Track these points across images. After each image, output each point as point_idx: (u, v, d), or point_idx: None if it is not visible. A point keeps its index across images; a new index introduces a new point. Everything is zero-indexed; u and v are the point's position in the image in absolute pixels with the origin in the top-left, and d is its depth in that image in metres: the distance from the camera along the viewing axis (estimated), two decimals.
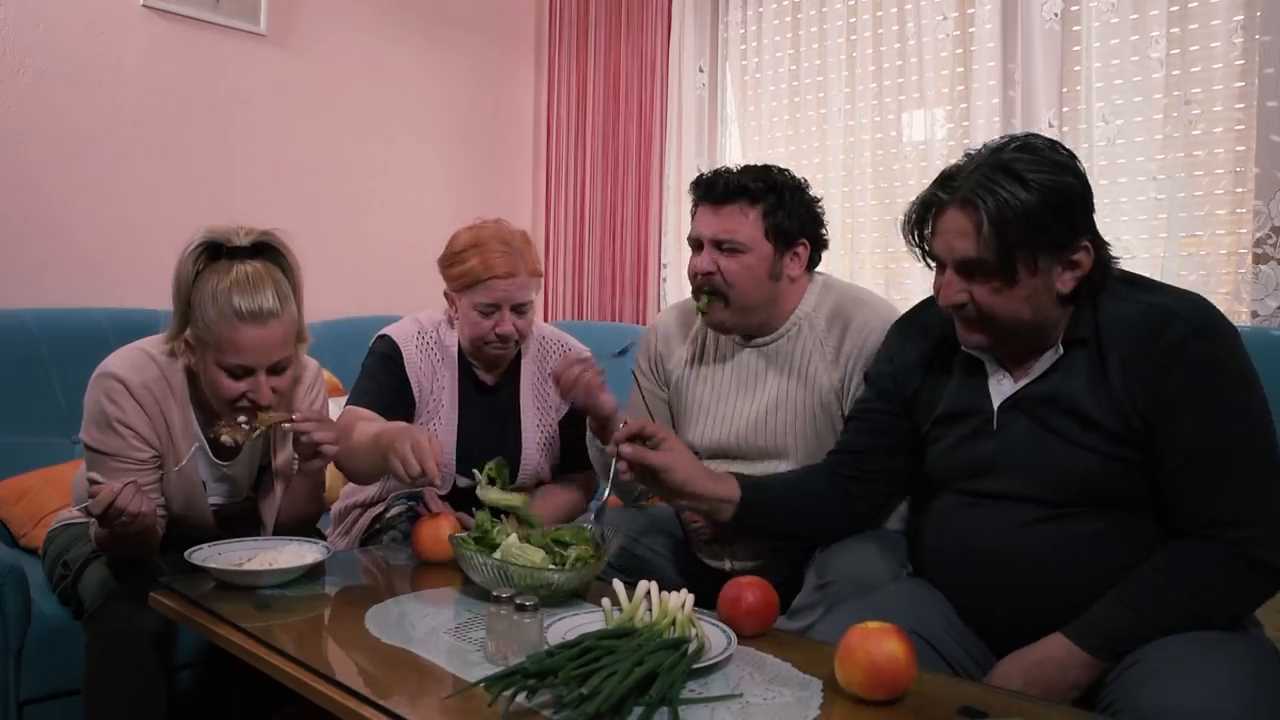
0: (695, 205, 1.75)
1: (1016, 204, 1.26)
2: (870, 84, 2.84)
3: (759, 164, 1.76)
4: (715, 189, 1.70)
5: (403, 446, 1.59)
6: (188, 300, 1.59)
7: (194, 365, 1.64)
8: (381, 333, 2.05)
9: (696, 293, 1.74)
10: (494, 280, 1.90)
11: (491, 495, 1.64)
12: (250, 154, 2.94)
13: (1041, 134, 1.39)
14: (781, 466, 1.74)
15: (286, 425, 1.64)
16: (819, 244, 1.76)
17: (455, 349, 2.05)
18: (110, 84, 2.65)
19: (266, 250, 1.64)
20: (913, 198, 1.41)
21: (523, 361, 2.10)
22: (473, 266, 1.91)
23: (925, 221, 1.38)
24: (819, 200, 1.77)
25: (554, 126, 3.56)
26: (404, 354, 2.00)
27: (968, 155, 1.36)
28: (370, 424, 1.80)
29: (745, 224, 1.68)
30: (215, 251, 1.61)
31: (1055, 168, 1.29)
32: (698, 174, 1.79)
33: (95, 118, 2.64)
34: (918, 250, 1.40)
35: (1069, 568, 1.30)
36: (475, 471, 1.68)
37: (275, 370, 1.61)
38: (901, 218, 1.41)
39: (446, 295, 2.02)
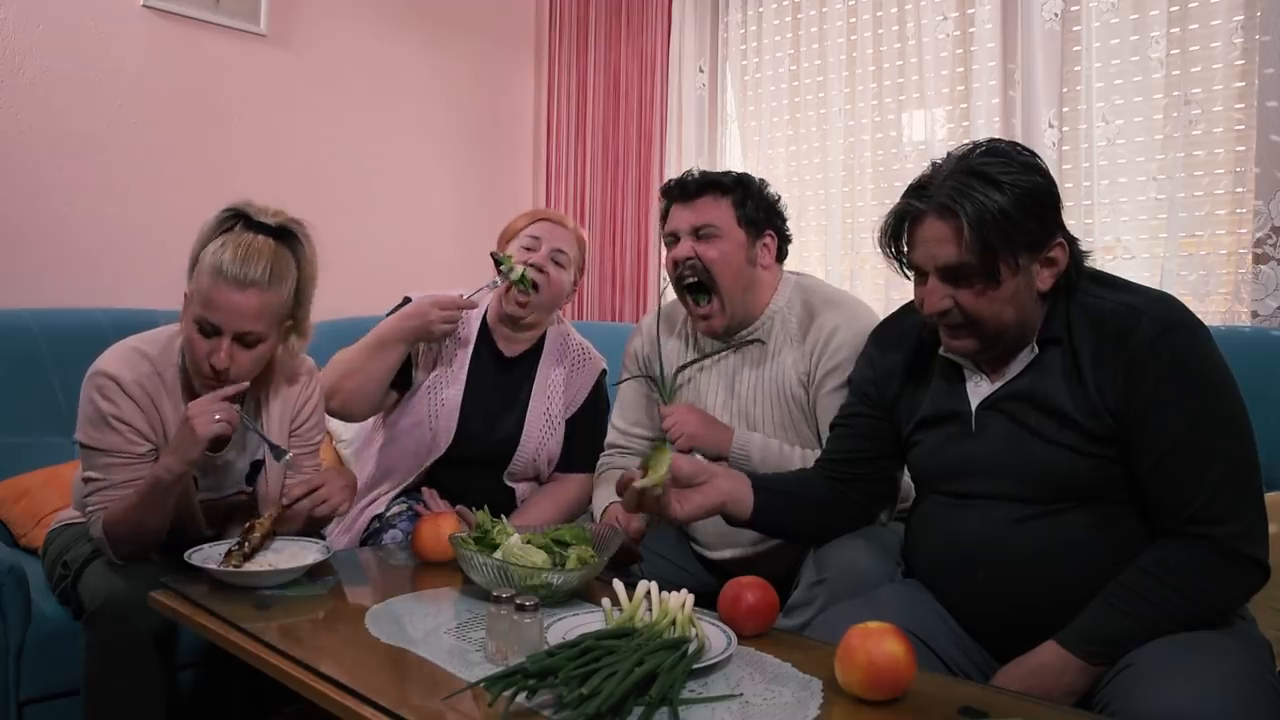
0: (668, 207, 1.87)
1: (993, 205, 1.27)
2: (870, 84, 2.84)
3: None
4: (687, 188, 1.85)
5: (424, 307, 1.87)
6: (196, 256, 1.62)
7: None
8: (407, 295, 2.11)
9: (678, 285, 1.86)
10: (542, 221, 2.10)
11: (517, 268, 1.97)
12: (250, 154, 2.94)
13: (1003, 138, 1.42)
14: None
15: (301, 504, 1.66)
16: (784, 237, 1.90)
17: (482, 314, 2.11)
18: (110, 84, 2.65)
19: (286, 235, 1.65)
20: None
21: (544, 350, 2.14)
22: (524, 220, 2.12)
23: (901, 233, 1.40)
24: (779, 199, 1.91)
25: (554, 126, 3.56)
26: None
27: (934, 164, 1.38)
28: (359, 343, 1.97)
29: (719, 212, 1.82)
30: (240, 220, 1.63)
31: (1024, 168, 1.31)
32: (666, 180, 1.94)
33: (95, 118, 2.63)
34: (895, 262, 1.42)
35: (1057, 564, 1.30)
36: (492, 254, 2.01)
37: (243, 342, 1.60)
38: (877, 231, 1.43)
39: (493, 256, 2.08)
